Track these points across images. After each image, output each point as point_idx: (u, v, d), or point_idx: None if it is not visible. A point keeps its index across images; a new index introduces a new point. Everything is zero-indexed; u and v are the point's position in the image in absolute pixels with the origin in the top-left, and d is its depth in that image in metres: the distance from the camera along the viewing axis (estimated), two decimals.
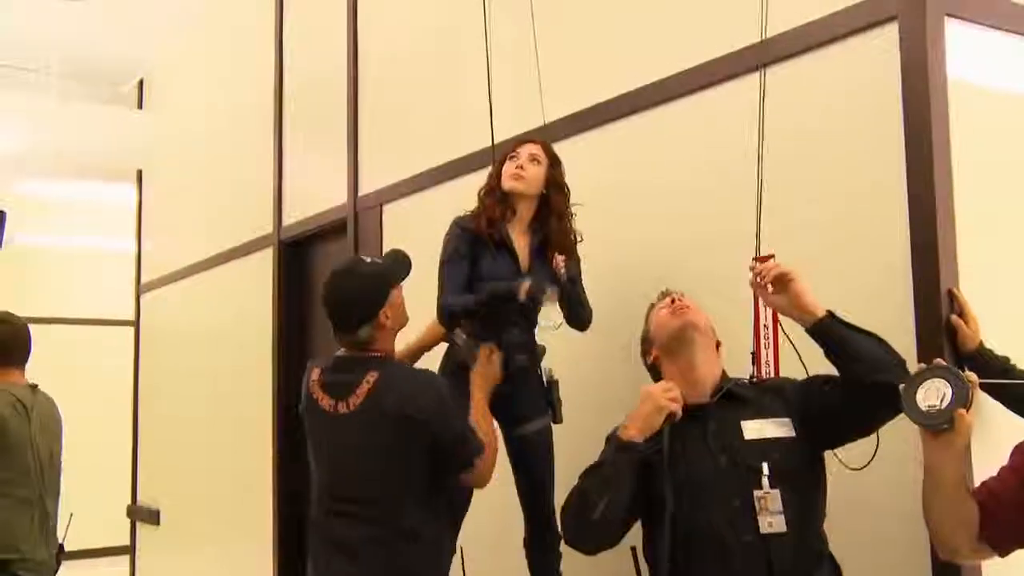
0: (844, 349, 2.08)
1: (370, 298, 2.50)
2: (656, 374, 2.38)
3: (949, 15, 2.32)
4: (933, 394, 1.80)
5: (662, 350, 2.34)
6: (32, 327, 3.80)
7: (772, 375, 2.37)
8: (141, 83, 7.83)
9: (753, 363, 2.38)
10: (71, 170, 8.87)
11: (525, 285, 2.60)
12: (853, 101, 2.47)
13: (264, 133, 5.50)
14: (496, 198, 2.75)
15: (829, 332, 2.10)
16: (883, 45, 2.37)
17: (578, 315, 2.77)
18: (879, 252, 2.37)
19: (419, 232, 3.14)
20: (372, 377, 2.45)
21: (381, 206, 4.37)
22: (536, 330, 2.82)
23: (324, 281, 2.59)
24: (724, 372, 2.33)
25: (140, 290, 7.36)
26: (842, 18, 2.47)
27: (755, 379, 2.36)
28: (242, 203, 5.82)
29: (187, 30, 6.81)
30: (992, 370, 2.14)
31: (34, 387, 3.71)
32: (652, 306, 2.45)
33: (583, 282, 2.79)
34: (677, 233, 2.93)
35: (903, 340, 2.20)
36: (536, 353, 2.82)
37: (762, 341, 2.40)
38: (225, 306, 5.99)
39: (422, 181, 4.06)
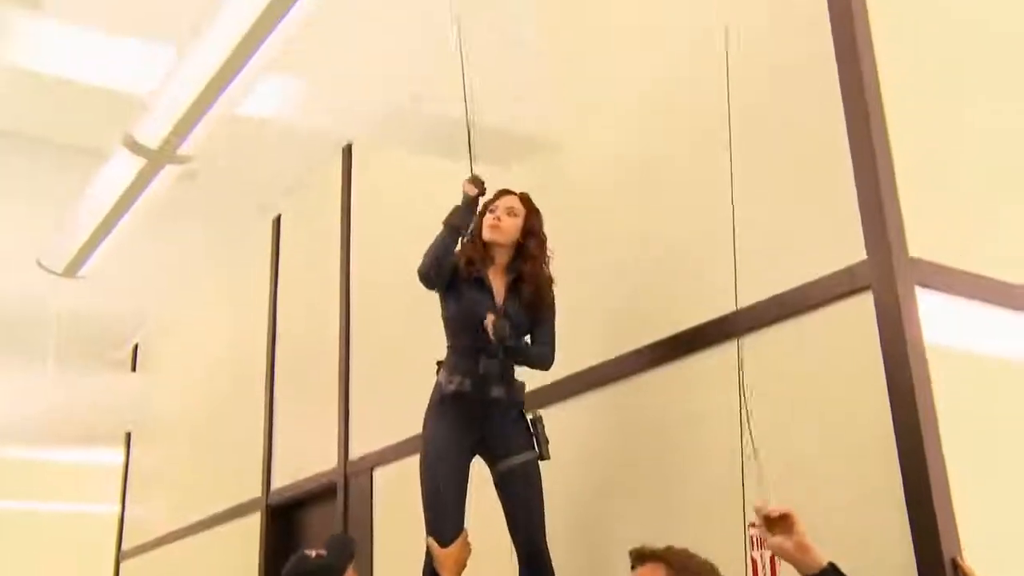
0: None
1: None
2: None
3: (920, 285, 2.43)
4: None
5: None
6: None
7: None
8: (136, 347, 7.96)
9: None
10: (60, 435, 8.80)
11: (491, 318, 2.76)
12: (835, 366, 2.53)
13: (255, 396, 5.55)
14: (476, 245, 2.93)
15: None
16: (859, 314, 2.46)
17: (528, 363, 2.94)
18: (874, 512, 2.35)
19: (412, 496, 3.11)
20: None
21: (372, 470, 4.34)
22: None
23: None
24: None
25: (121, 556, 7.12)
26: (816, 289, 2.58)
27: None
28: (230, 466, 5.77)
29: (183, 297, 7.00)
30: None
31: None
32: None
33: (554, 322, 2.97)
34: (655, 503, 2.91)
35: None
36: (515, 387, 2.89)
37: None
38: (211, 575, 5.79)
39: (414, 445, 4.05)
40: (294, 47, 2.71)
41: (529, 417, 2.92)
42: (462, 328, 2.88)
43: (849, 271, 2.50)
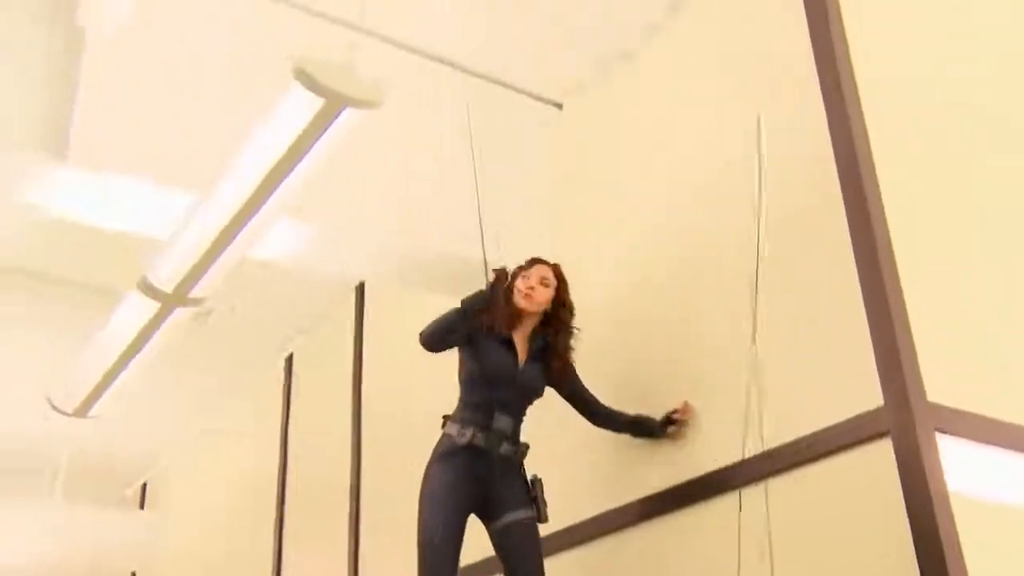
0: None
1: None
2: None
3: (940, 431, 2.38)
4: None
5: None
6: None
7: None
8: (145, 486, 7.87)
9: None
10: (67, 573, 8.61)
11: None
12: (856, 513, 2.45)
13: (264, 537, 5.43)
14: (506, 310, 2.99)
15: None
16: (880, 460, 2.40)
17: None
18: None
19: None
20: None
21: None
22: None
23: None
24: None
25: None
26: (834, 434, 2.53)
27: None
28: None
29: (193, 435, 6.95)
30: None
31: None
32: None
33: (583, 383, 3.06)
34: None
35: None
36: (521, 447, 2.95)
37: None
38: None
39: None
40: (307, 191, 2.76)
41: (529, 478, 2.95)
42: (483, 383, 2.93)
43: (867, 416, 2.45)
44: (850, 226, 2.60)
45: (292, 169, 2.49)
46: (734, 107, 3.08)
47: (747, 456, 2.70)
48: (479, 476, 2.86)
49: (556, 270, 3.10)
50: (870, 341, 2.49)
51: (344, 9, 2.87)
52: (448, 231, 3.40)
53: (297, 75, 2.22)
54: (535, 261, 3.10)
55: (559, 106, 4.07)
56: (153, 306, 3.32)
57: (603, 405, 3.10)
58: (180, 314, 3.36)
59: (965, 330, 2.65)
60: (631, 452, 3.16)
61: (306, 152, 2.41)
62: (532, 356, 3.02)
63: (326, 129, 2.31)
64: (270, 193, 2.59)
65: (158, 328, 3.44)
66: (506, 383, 2.93)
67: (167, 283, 3.19)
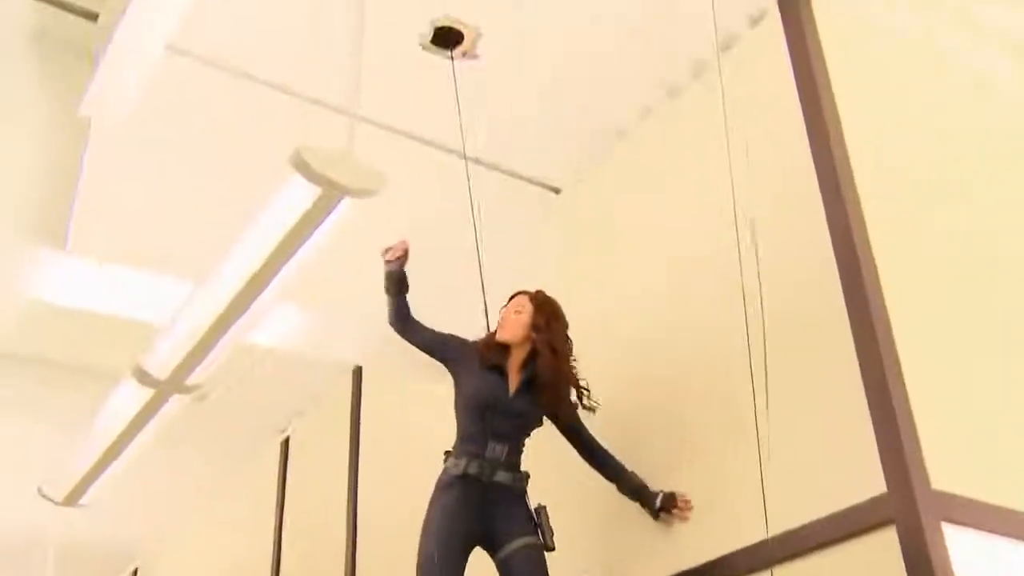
0: None
1: None
2: None
3: (946, 520, 2.34)
4: None
5: None
6: None
7: None
8: (136, 572, 7.72)
9: None
10: None
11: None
12: None
13: None
14: (486, 341, 3.04)
15: None
16: (884, 549, 2.36)
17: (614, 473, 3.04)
18: None
19: None
20: None
21: None
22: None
23: None
24: None
25: None
26: (838, 523, 2.48)
27: None
28: None
29: (186, 520, 6.85)
30: None
31: None
32: None
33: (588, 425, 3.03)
34: None
35: None
36: (519, 475, 2.93)
37: None
38: None
39: None
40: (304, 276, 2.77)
41: (533, 507, 2.92)
42: (473, 412, 2.93)
43: (871, 504, 2.42)
44: (849, 313, 2.60)
45: (289, 258, 2.49)
46: (729, 189, 3.09)
47: (750, 544, 2.65)
48: (477, 506, 2.84)
49: (535, 298, 3.08)
50: (871, 426, 2.47)
51: (342, 97, 2.90)
52: (447, 316, 3.40)
53: (295, 164, 2.23)
54: (516, 294, 3.12)
55: (557, 191, 4.11)
56: (147, 393, 3.29)
57: (601, 447, 3.04)
58: (175, 401, 3.33)
59: (969, 416, 2.63)
60: (631, 537, 3.11)
61: (304, 241, 2.41)
62: (523, 385, 2.98)
63: (324, 218, 2.32)
64: (267, 282, 2.59)
65: (152, 415, 3.41)
66: (496, 411, 2.91)
67: (162, 370, 3.16)
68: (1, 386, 5.35)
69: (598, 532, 3.23)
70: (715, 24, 2.99)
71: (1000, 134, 3.51)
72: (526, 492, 2.94)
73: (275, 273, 2.57)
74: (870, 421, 2.47)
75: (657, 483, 3.02)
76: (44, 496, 4.03)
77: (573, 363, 3.04)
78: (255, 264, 2.55)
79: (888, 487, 2.39)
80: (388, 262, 3.07)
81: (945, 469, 2.41)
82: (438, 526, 2.82)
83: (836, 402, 2.60)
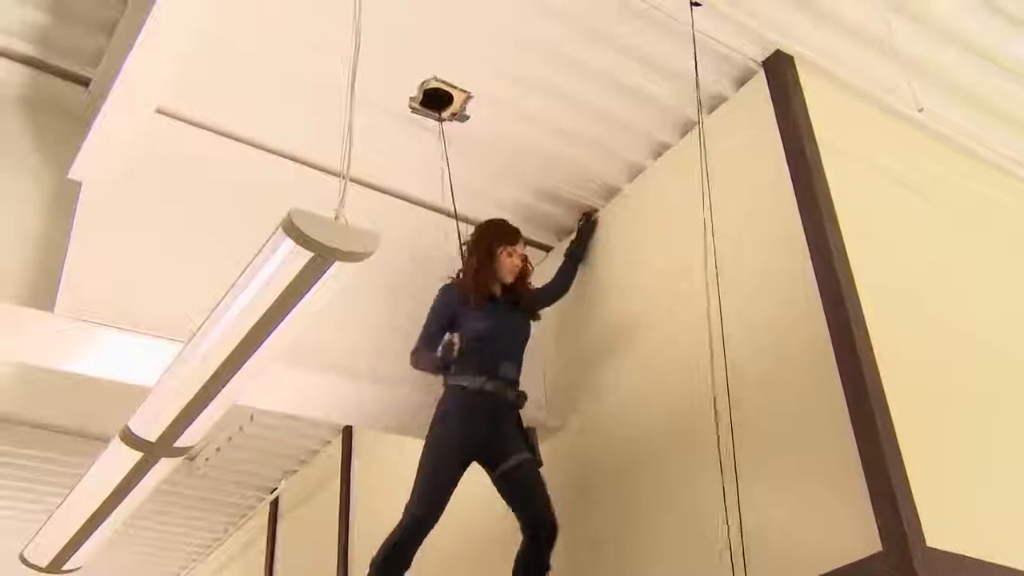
0: None
1: None
2: None
3: None
4: None
5: None
6: None
7: None
8: None
9: None
10: None
11: (448, 339, 3.18)
12: None
13: None
14: (485, 278, 3.34)
15: None
16: None
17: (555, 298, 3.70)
18: None
19: None
20: None
21: None
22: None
23: None
24: None
25: None
26: None
27: None
28: None
29: None
30: None
31: None
32: None
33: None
34: None
35: None
36: (521, 394, 3.24)
37: None
38: None
39: None
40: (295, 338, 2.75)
41: (526, 427, 3.24)
42: (483, 342, 3.22)
43: (866, 563, 2.39)
44: (841, 372, 2.61)
45: (280, 321, 2.48)
46: (711, 250, 3.12)
47: None
48: (487, 421, 3.13)
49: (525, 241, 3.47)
50: (865, 484, 2.46)
51: (332, 159, 2.92)
52: (434, 379, 3.39)
53: (286, 229, 2.23)
54: (518, 236, 3.43)
55: (548, 249, 4.13)
56: (135, 456, 3.24)
57: (550, 285, 3.64)
58: (164, 464, 3.29)
59: (963, 473, 2.64)
60: None
61: (294, 304, 2.40)
62: (509, 306, 3.36)
63: (315, 282, 2.32)
64: (257, 345, 2.57)
65: (140, 478, 3.36)
66: (502, 336, 3.26)
67: (150, 433, 3.13)
68: None
69: None
70: (697, 84, 3.03)
71: (985, 196, 3.58)
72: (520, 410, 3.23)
73: (265, 336, 2.55)
74: (863, 479, 2.46)
75: (644, 553, 3.00)
76: (27, 563, 3.94)
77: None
78: (245, 327, 2.53)
79: (883, 545, 2.38)
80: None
81: (940, 526, 2.40)
82: (448, 440, 3.10)
83: (829, 460, 2.59)
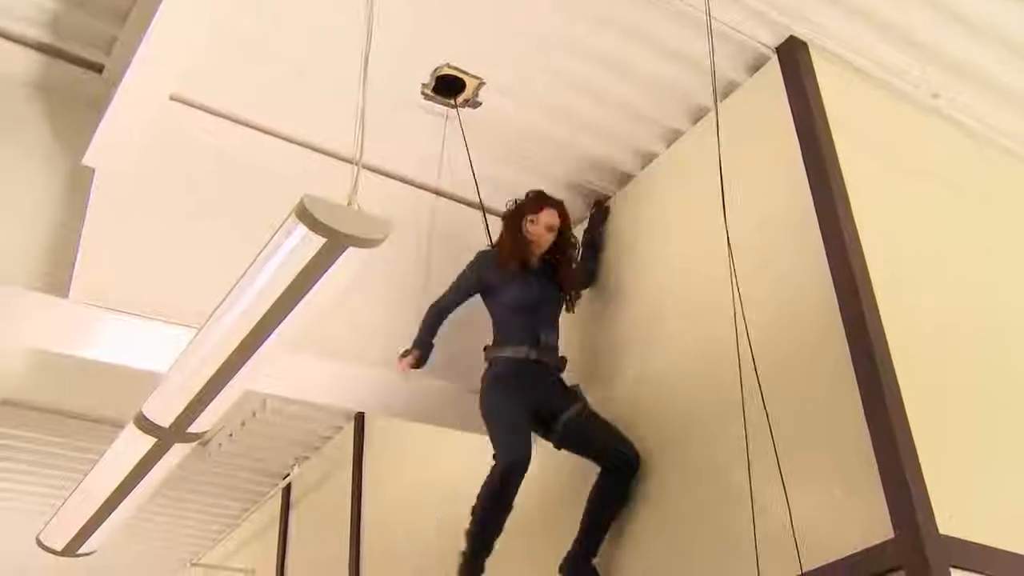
0: None
1: None
2: None
3: (954, 565, 2.32)
4: None
5: None
6: None
7: None
8: None
9: None
10: None
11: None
12: None
13: None
14: (516, 250, 3.40)
15: None
16: None
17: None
18: None
19: None
20: None
21: None
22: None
23: None
24: None
25: None
26: (847, 566, 2.46)
27: None
28: None
29: (186, 569, 6.79)
30: None
31: None
32: None
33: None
34: None
35: None
36: (561, 359, 3.36)
37: None
38: None
39: None
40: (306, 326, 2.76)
41: (572, 385, 3.36)
42: (521, 311, 3.32)
43: (878, 550, 2.39)
44: (854, 358, 2.60)
45: (293, 307, 2.49)
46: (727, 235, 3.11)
47: None
48: (530, 389, 3.23)
49: (561, 209, 3.46)
50: (877, 470, 2.46)
51: (345, 146, 2.92)
52: (446, 365, 3.40)
53: (299, 215, 2.24)
54: (542, 203, 3.44)
55: None
56: (149, 441, 3.27)
57: (585, 264, 3.69)
58: (177, 449, 3.31)
59: (975, 459, 2.63)
60: None
61: (307, 290, 2.41)
62: (546, 277, 3.43)
63: (328, 267, 2.32)
64: (270, 331, 2.58)
65: (154, 464, 3.38)
66: (540, 305, 3.34)
67: (164, 418, 3.15)
68: (2, 435, 5.34)
69: None
70: (713, 71, 3.02)
71: (1000, 183, 3.56)
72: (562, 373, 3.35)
73: (278, 322, 2.56)
74: (876, 466, 2.46)
75: (651, 537, 3.04)
76: (43, 546, 3.98)
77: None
78: (258, 313, 2.54)
79: (895, 532, 2.37)
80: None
81: (952, 513, 2.39)
82: (507, 397, 3.20)
83: (842, 447, 2.59)
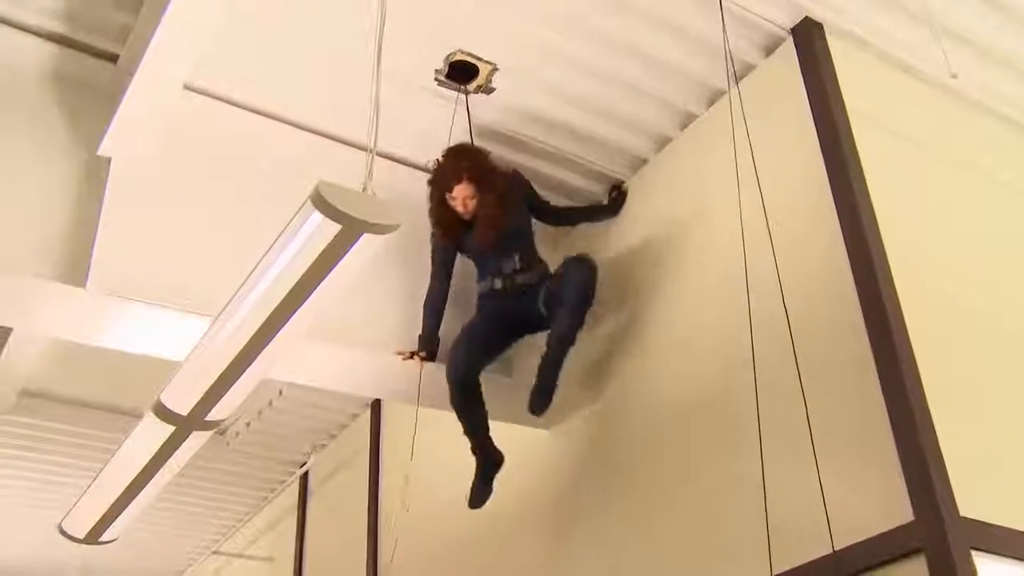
0: None
1: None
2: None
3: (975, 548, 2.31)
4: None
5: None
6: None
7: None
8: None
9: None
10: None
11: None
12: None
13: None
14: (449, 221, 3.50)
15: None
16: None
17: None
18: None
19: None
20: None
21: None
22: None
23: None
24: None
25: None
26: (867, 549, 2.45)
27: None
28: None
29: (204, 557, 6.83)
30: None
31: None
32: None
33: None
34: None
35: None
36: (538, 268, 3.55)
37: None
38: None
39: None
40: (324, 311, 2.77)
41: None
42: (483, 252, 3.52)
43: (899, 532, 2.39)
44: (873, 342, 2.59)
45: (309, 294, 2.49)
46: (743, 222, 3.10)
47: (776, 574, 2.61)
48: (505, 310, 3.49)
49: (471, 174, 3.38)
50: (898, 454, 2.45)
51: (361, 132, 2.93)
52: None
53: (315, 201, 2.24)
54: (449, 180, 3.39)
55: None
56: (168, 429, 3.28)
57: (556, 207, 3.80)
58: (195, 437, 3.33)
59: (996, 441, 2.62)
60: None
61: (323, 277, 2.42)
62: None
63: (343, 254, 2.33)
64: (287, 318, 2.59)
65: (172, 452, 3.40)
66: (494, 242, 3.46)
67: (182, 406, 3.16)
68: (23, 424, 5.38)
69: None
70: (728, 54, 3.00)
71: (1019, 163, 3.53)
72: (549, 271, 3.53)
73: (295, 308, 2.57)
74: (895, 449, 2.45)
75: (675, 524, 3.02)
76: (65, 534, 4.02)
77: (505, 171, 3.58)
78: (275, 300, 2.55)
79: (916, 515, 2.37)
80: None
81: (973, 496, 2.39)
82: (470, 327, 3.48)
83: (861, 430, 2.58)
